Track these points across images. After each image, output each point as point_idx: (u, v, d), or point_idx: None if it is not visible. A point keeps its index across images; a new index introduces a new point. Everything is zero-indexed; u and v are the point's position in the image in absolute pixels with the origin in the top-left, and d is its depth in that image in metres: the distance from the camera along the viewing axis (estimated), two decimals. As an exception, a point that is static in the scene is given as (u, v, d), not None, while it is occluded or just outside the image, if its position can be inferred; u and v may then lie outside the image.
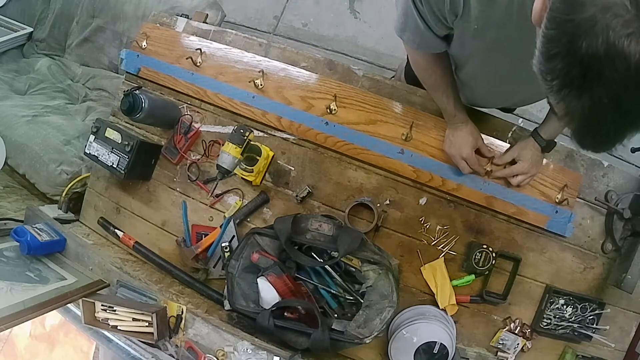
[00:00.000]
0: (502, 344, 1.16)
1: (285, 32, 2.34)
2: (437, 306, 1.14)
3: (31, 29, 1.97)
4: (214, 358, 1.13)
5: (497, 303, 1.15)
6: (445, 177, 1.15)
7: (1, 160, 1.60)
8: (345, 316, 1.12)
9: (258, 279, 1.09)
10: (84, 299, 1.12)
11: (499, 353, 1.17)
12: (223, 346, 1.13)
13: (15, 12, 1.98)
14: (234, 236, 1.23)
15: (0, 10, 1.95)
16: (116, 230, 1.34)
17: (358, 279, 1.11)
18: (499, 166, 1.11)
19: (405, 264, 1.18)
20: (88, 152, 1.29)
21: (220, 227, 1.24)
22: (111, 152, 1.24)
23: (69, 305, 1.15)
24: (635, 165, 1.86)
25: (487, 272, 1.12)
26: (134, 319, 1.13)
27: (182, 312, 1.15)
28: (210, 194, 1.27)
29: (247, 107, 1.25)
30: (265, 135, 1.26)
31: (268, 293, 1.07)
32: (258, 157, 1.19)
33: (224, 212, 1.27)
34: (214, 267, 1.26)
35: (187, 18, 1.39)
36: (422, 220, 1.17)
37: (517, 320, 1.15)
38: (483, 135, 1.08)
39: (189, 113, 1.32)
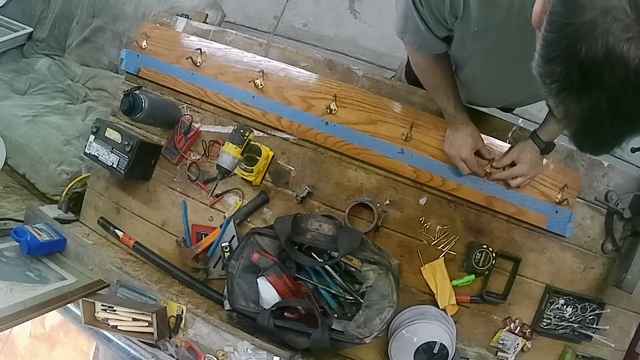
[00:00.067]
0: (502, 344, 1.16)
1: (285, 32, 2.34)
2: (437, 306, 1.14)
3: (31, 29, 1.97)
4: (214, 358, 1.13)
5: (497, 303, 1.15)
6: (445, 177, 1.15)
7: (1, 160, 1.60)
8: (345, 316, 1.12)
9: (258, 279, 1.09)
10: (84, 299, 1.12)
11: (499, 353, 1.17)
12: (223, 346, 1.13)
13: (15, 12, 1.98)
14: (234, 236, 1.23)
15: (0, 10, 1.95)
16: (116, 230, 1.34)
17: (358, 279, 1.11)
18: (498, 168, 1.11)
19: (405, 264, 1.18)
20: (88, 152, 1.29)
21: (220, 227, 1.24)
22: (111, 152, 1.24)
23: (69, 305, 1.15)
24: (635, 165, 1.86)
25: (487, 272, 1.12)
26: (134, 319, 1.13)
27: (182, 312, 1.15)
28: (210, 194, 1.27)
29: (247, 107, 1.25)
30: (265, 135, 1.26)
31: (268, 293, 1.07)
32: (258, 157, 1.19)
33: (224, 212, 1.27)
34: (214, 267, 1.26)
35: (187, 18, 1.39)
36: (422, 220, 1.17)
37: (517, 320, 1.15)
38: (483, 136, 1.08)
39: (189, 113, 1.32)
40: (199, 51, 1.28)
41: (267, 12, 2.37)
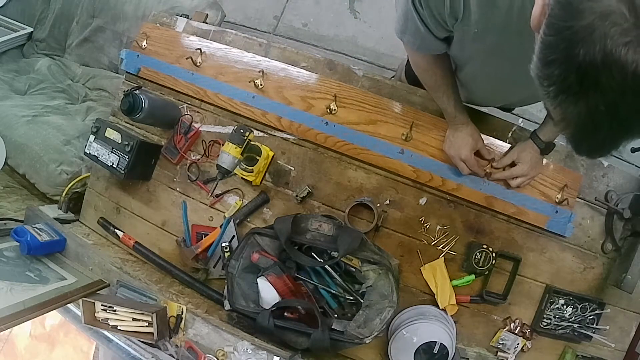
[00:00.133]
0: (502, 344, 1.16)
1: (285, 32, 2.34)
2: (437, 306, 1.14)
3: (31, 29, 1.97)
4: (214, 358, 1.13)
5: (497, 303, 1.15)
6: (445, 177, 1.15)
7: (1, 160, 1.60)
8: (345, 316, 1.12)
9: (258, 279, 1.09)
10: (84, 299, 1.12)
11: (499, 353, 1.17)
12: (223, 346, 1.13)
13: (15, 12, 1.98)
14: (234, 236, 1.23)
15: (0, 10, 1.95)
16: (116, 230, 1.34)
17: (358, 279, 1.11)
18: (498, 168, 1.11)
19: (405, 264, 1.18)
20: (88, 152, 1.29)
21: (220, 227, 1.24)
22: (111, 152, 1.24)
23: (69, 305, 1.15)
24: (635, 165, 1.86)
25: (487, 272, 1.12)
26: (134, 319, 1.13)
27: (182, 312, 1.15)
28: (210, 194, 1.27)
29: (247, 107, 1.25)
30: (265, 135, 1.26)
31: (268, 293, 1.07)
32: (258, 157, 1.19)
33: (224, 212, 1.27)
34: (214, 267, 1.26)
35: (187, 18, 1.39)
36: (422, 220, 1.17)
37: (517, 320, 1.15)
38: (483, 136, 1.08)
39: (189, 113, 1.32)
40: (199, 51, 1.28)
41: (267, 12, 2.37)
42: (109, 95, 1.87)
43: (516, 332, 1.15)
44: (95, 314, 1.14)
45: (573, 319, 1.14)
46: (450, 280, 1.14)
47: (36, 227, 1.25)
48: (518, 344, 1.15)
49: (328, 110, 1.19)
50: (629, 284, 1.05)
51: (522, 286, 1.15)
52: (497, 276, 1.14)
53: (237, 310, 1.07)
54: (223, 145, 1.08)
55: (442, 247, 1.16)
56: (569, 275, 1.15)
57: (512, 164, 1.08)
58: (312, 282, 1.13)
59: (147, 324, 1.11)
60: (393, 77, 1.82)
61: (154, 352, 1.16)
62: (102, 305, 1.14)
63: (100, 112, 1.80)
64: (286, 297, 1.08)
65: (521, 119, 1.81)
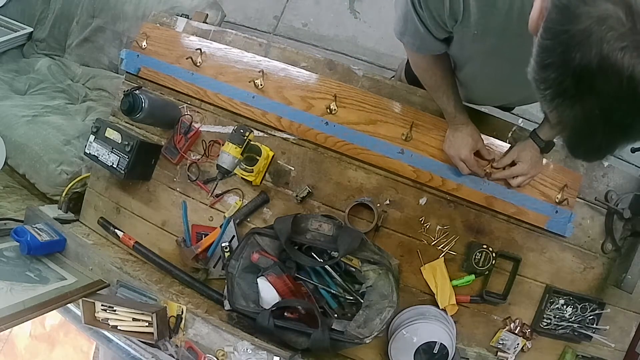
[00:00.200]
0: (502, 344, 1.16)
1: (285, 32, 2.34)
2: (437, 306, 1.14)
3: (31, 29, 1.97)
4: (214, 358, 1.13)
5: (497, 303, 1.15)
6: (445, 177, 1.15)
7: (1, 160, 1.60)
8: (345, 316, 1.12)
9: (258, 279, 1.09)
10: (84, 299, 1.12)
11: (499, 353, 1.17)
12: (223, 346, 1.13)
13: (15, 12, 1.98)
14: (234, 236, 1.23)
15: (0, 10, 1.95)
16: (116, 230, 1.34)
17: (358, 279, 1.11)
18: (499, 168, 1.11)
19: (405, 264, 1.18)
20: (88, 152, 1.29)
21: (220, 227, 1.24)
22: (111, 152, 1.24)
23: (69, 305, 1.15)
24: (635, 165, 1.86)
25: (487, 272, 1.12)
26: (134, 319, 1.13)
27: (182, 312, 1.15)
28: (210, 194, 1.27)
29: (247, 107, 1.25)
30: (265, 135, 1.26)
31: (268, 293, 1.07)
32: (258, 157, 1.19)
33: (224, 212, 1.27)
34: (214, 267, 1.26)
35: (187, 18, 1.39)
36: (422, 220, 1.17)
37: (517, 320, 1.15)
38: (483, 136, 1.08)
39: (189, 113, 1.32)
40: (199, 51, 1.28)
41: (267, 12, 2.37)
42: (109, 95, 1.87)
43: (516, 332, 1.15)
44: (95, 314, 1.14)
45: (573, 319, 1.14)
46: (450, 280, 1.14)
47: (36, 227, 1.25)
48: (518, 344, 1.15)
49: (328, 110, 1.19)
50: (629, 284, 1.05)
51: (522, 286, 1.15)
52: (497, 276, 1.14)
53: (237, 310, 1.07)
54: (223, 145, 1.08)
55: (442, 247, 1.16)
56: (569, 275, 1.15)
57: (512, 164, 1.08)
58: (312, 282, 1.13)
59: (147, 324, 1.11)
60: (393, 77, 1.82)
61: (154, 352, 1.16)
62: (102, 305, 1.14)
63: (100, 112, 1.80)
64: (286, 297, 1.08)
65: (521, 119, 1.81)
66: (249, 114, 1.25)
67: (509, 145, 1.13)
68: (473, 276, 1.14)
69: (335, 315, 1.13)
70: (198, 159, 1.30)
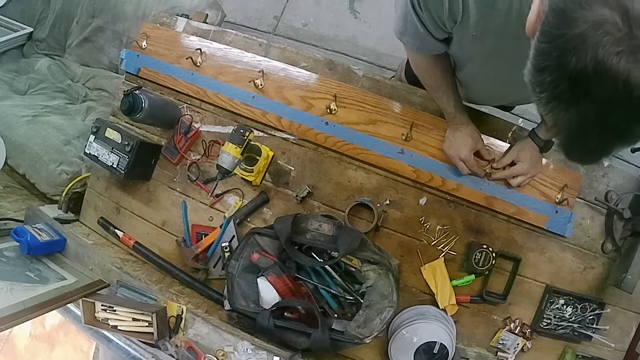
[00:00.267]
0: (502, 344, 1.16)
1: (285, 32, 2.34)
2: (437, 306, 1.14)
3: (31, 29, 1.97)
4: (214, 358, 1.13)
5: (497, 303, 1.15)
6: (445, 177, 1.15)
7: (1, 160, 1.60)
8: (345, 316, 1.12)
9: (258, 279, 1.09)
10: (84, 299, 1.12)
11: (499, 353, 1.17)
12: (223, 346, 1.13)
13: (15, 12, 1.98)
14: (234, 236, 1.23)
15: (0, 10, 1.95)
16: (116, 230, 1.34)
17: (358, 279, 1.11)
18: (498, 169, 1.11)
19: (405, 264, 1.18)
20: (88, 152, 1.29)
21: (220, 227, 1.24)
22: (111, 152, 1.24)
23: (69, 305, 1.15)
24: (635, 165, 1.86)
25: (487, 272, 1.12)
26: (134, 319, 1.13)
27: (182, 312, 1.15)
28: (210, 194, 1.27)
29: (247, 107, 1.25)
30: (265, 135, 1.26)
31: (268, 293, 1.07)
32: (258, 157, 1.19)
33: (224, 212, 1.27)
34: (214, 267, 1.26)
35: (187, 18, 1.39)
36: (422, 220, 1.17)
37: (517, 320, 1.15)
38: (483, 136, 1.08)
39: (189, 113, 1.32)
40: (199, 51, 1.28)
41: (267, 12, 2.37)
42: (109, 95, 1.87)
43: (516, 332, 1.15)
44: (95, 314, 1.14)
45: (573, 319, 1.14)
46: (450, 280, 1.14)
47: (36, 227, 1.25)
48: (518, 344, 1.15)
49: (328, 110, 1.19)
50: (629, 284, 1.05)
51: (522, 286, 1.15)
52: (497, 276, 1.14)
53: (237, 310, 1.07)
54: (223, 145, 1.08)
55: (442, 247, 1.16)
56: (569, 275, 1.15)
57: (512, 164, 1.08)
58: (312, 282, 1.13)
59: (147, 324, 1.11)
60: (393, 77, 1.82)
61: (154, 352, 1.16)
62: (102, 305, 1.14)
63: (100, 112, 1.80)
64: (286, 297, 1.08)
65: (521, 119, 1.81)
66: (249, 114, 1.25)
67: (509, 145, 1.13)
68: (473, 276, 1.14)
69: (335, 315, 1.13)
70: (198, 159, 1.30)
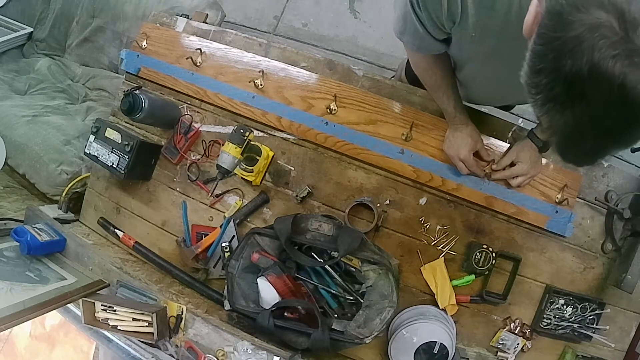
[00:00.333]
0: (502, 344, 1.16)
1: (285, 32, 2.34)
2: (437, 306, 1.14)
3: (31, 29, 1.97)
4: (214, 358, 1.13)
5: (497, 303, 1.15)
6: (445, 177, 1.15)
7: (1, 160, 1.60)
8: (345, 316, 1.12)
9: (258, 279, 1.09)
10: (84, 299, 1.12)
11: (499, 353, 1.17)
12: (223, 346, 1.13)
13: (15, 12, 1.98)
14: (234, 236, 1.23)
15: (0, 10, 1.95)
16: (116, 230, 1.34)
17: (358, 279, 1.11)
18: (498, 170, 1.11)
19: (405, 264, 1.18)
20: (88, 152, 1.29)
21: (220, 227, 1.24)
22: (111, 152, 1.24)
23: (69, 305, 1.15)
24: (635, 165, 1.86)
25: (487, 272, 1.12)
26: (134, 319, 1.13)
27: (182, 312, 1.15)
28: (210, 194, 1.27)
29: (247, 107, 1.25)
30: (265, 135, 1.26)
31: (268, 293, 1.07)
32: (258, 157, 1.19)
33: (224, 212, 1.27)
34: (214, 267, 1.26)
35: (187, 18, 1.39)
36: (422, 220, 1.17)
37: (517, 320, 1.15)
38: (483, 136, 1.08)
39: (189, 113, 1.32)
40: (199, 51, 1.28)
41: (267, 12, 2.37)
42: (109, 95, 1.87)
43: (516, 332, 1.15)
44: (95, 314, 1.14)
45: (573, 319, 1.14)
46: (450, 280, 1.14)
47: (36, 227, 1.25)
48: (518, 344, 1.15)
49: (328, 110, 1.19)
50: (629, 284, 1.05)
51: (522, 286, 1.15)
52: (497, 276, 1.14)
53: (237, 310, 1.07)
54: (223, 145, 1.08)
55: (442, 247, 1.16)
56: (569, 275, 1.15)
57: (512, 164, 1.08)
58: (312, 282, 1.13)
59: (147, 324, 1.11)
60: (393, 77, 1.82)
61: (154, 352, 1.16)
62: (102, 305, 1.14)
63: (100, 112, 1.80)
64: (286, 297, 1.08)
65: (521, 119, 1.81)
66: (249, 114, 1.25)
67: (509, 145, 1.13)
68: (473, 276, 1.14)
69: (335, 315, 1.13)
70: (198, 159, 1.30)
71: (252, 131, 1.12)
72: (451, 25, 0.69)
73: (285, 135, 1.24)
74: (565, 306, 1.14)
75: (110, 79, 1.89)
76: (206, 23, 1.38)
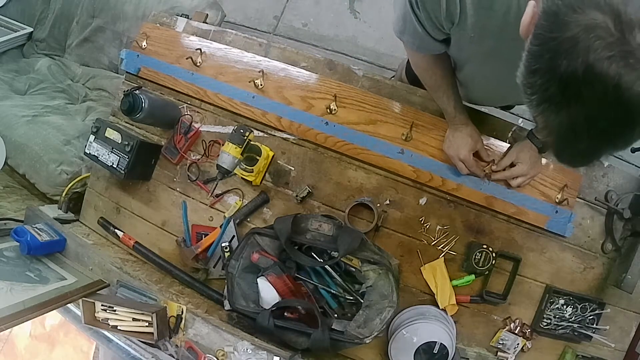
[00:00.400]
0: (502, 344, 1.16)
1: (285, 32, 2.34)
2: (437, 306, 1.14)
3: (31, 29, 1.97)
4: (214, 358, 1.13)
5: (497, 303, 1.15)
6: (445, 177, 1.15)
7: (1, 160, 1.60)
8: (345, 316, 1.12)
9: (258, 279, 1.09)
10: (84, 299, 1.12)
11: (499, 353, 1.17)
12: (223, 346, 1.13)
13: (15, 12, 1.98)
14: (234, 236, 1.23)
15: (0, 10, 1.95)
16: (116, 230, 1.34)
17: (358, 279, 1.11)
18: (498, 170, 1.11)
19: (405, 264, 1.18)
20: (88, 152, 1.29)
21: (220, 227, 1.24)
22: (111, 152, 1.24)
23: (69, 305, 1.15)
24: (635, 165, 1.86)
25: (487, 272, 1.12)
26: (134, 319, 1.13)
27: (182, 312, 1.15)
28: (210, 194, 1.27)
29: (247, 107, 1.25)
30: (265, 135, 1.26)
31: (268, 293, 1.07)
32: (258, 157, 1.19)
33: (224, 212, 1.27)
34: (214, 267, 1.26)
35: (187, 18, 1.39)
36: (422, 220, 1.17)
37: (517, 320, 1.15)
38: (483, 136, 1.08)
39: (189, 113, 1.32)
40: (199, 51, 1.28)
41: (267, 12, 2.37)
42: (109, 95, 1.87)
43: (516, 332, 1.15)
44: (95, 314, 1.14)
45: (573, 319, 1.14)
46: (450, 280, 1.14)
47: (36, 227, 1.25)
48: (518, 344, 1.15)
49: (328, 110, 1.19)
50: (629, 284, 1.05)
51: (522, 286, 1.15)
52: (497, 276, 1.14)
53: (237, 310, 1.07)
54: (223, 145, 1.08)
55: (442, 247, 1.16)
56: (569, 275, 1.15)
57: (512, 165, 1.08)
58: (312, 282, 1.13)
59: (147, 324, 1.11)
60: (393, 77, 1.82)
61: (154, 352, 1.16)
62: (102, 305, 1.14)
63: (100, 112, 1.80)
64: (286, 297, 1.08)
65: (521, 119, 1.81)
66: (249, 114, 1.25)
67: (509, 145, 1.13)
68: (473, 276, 1.14)
69: (335, 315, 1.13)
70: (198, 159, 1.30)
71: (252, 131, 1.12)
72: (450, 25, 0.69)
73: (285, 135, 1.24)
74: (565, 306, 1.14)
75: (110, 79, 1.89)
76: (206, 23, 1.38)
